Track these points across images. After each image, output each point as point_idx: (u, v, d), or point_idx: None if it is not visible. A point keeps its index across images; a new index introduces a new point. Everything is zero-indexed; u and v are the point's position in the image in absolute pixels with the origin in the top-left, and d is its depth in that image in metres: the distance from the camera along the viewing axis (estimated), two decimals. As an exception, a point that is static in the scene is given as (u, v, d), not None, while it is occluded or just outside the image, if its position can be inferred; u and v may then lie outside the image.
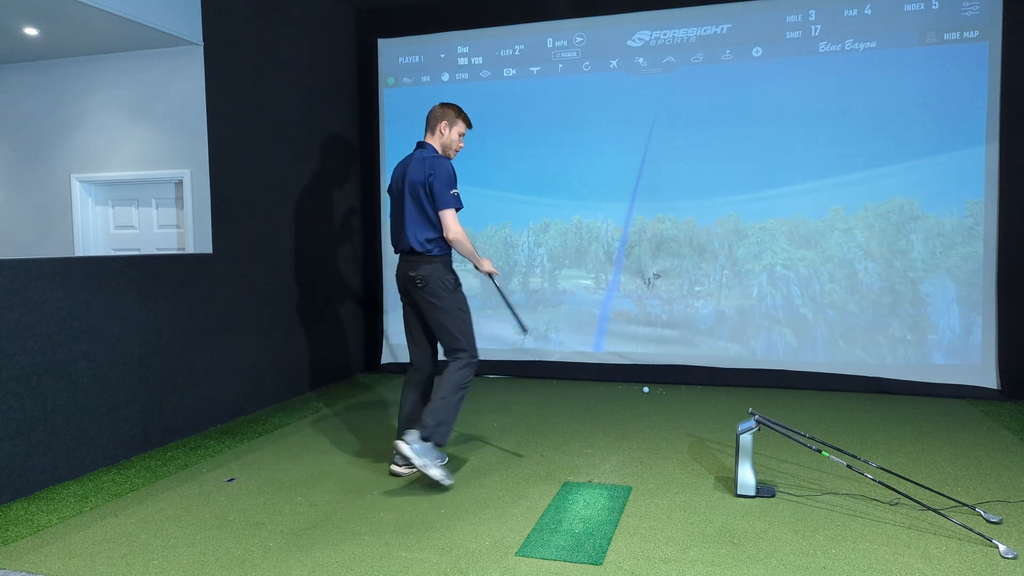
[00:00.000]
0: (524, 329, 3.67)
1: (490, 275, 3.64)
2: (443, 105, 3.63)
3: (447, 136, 3.59)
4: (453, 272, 3.57)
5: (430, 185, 3.41)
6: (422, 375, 3.71)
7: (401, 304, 3.70)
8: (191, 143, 4.67)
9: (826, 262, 5.34)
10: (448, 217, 3.41)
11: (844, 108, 5.23)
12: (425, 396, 3.69)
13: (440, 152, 3.58)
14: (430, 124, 3.62)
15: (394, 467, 3.60)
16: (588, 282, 5.88)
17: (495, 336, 6.05)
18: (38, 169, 5.10)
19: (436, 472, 3.34)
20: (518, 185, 5.97)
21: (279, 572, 2.60)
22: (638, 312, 5.77)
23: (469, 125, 3.67)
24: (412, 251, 3.50)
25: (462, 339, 3.50)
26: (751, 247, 5.49)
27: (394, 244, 3.63)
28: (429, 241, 3.47)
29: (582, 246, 5.87)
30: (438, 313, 3.49)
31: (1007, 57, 4.91)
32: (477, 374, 6.01)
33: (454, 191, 3.44)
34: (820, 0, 5.24)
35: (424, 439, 3.34)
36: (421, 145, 3.62)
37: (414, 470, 3.53)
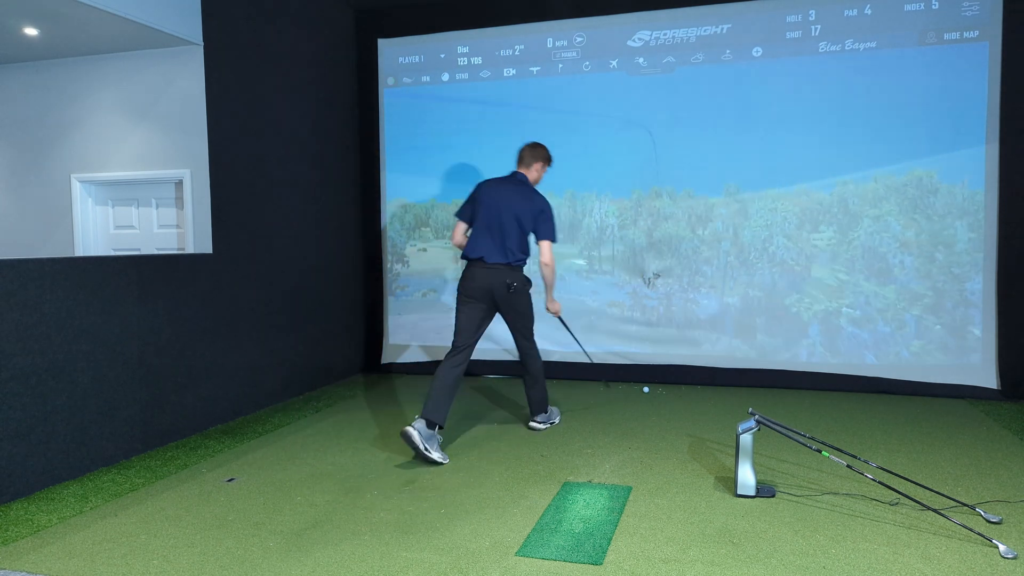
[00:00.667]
0: (589, 358, 4.69)
1: (556, 314, 4.43)
2: (537, 146, 4.31)
3: (539, 175, 4.34)
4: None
5: (539, 218, 4.15)
6: (461, 358, 4.03)
7: (464, 302, 4.10)
8: (191, 143, 4.67)
9: (825, 262, 5.34)
10: (547, 247, 4.17)
11: (844, 108, 5.23)
12: (458, 381, 3.97)
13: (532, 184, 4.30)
14: (526, 160, 4.30)
15: (408, 428, 3.78)
16: (584, 279, 5.87)
17: (495, 336, 6.05)
18: (38, 169, 5.10)
19: (436, 455, 3.78)
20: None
21: (279, 572, 2.60)
22: (637, 311, 5.76)
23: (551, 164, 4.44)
24: (507, 264, 4.10)
25: (531, 327, 4.31)
26: (751, 246, 5.48)
27: (477, 254, 4.11)
28: (522, 256, 4.16)
29: (580, 244, 5.86)
30: (522, 310, 4.19)
31: (1007, 57, 4.91)
32: (477, 374, 6.06)
33: (554, 226, 4.22)
34: (820, 0, 5.24)
35: (540, 417, 4.44)
36: (515, 174, 4.28)
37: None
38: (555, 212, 5.88)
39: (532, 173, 4.32)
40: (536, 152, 4.30)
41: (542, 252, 4.17)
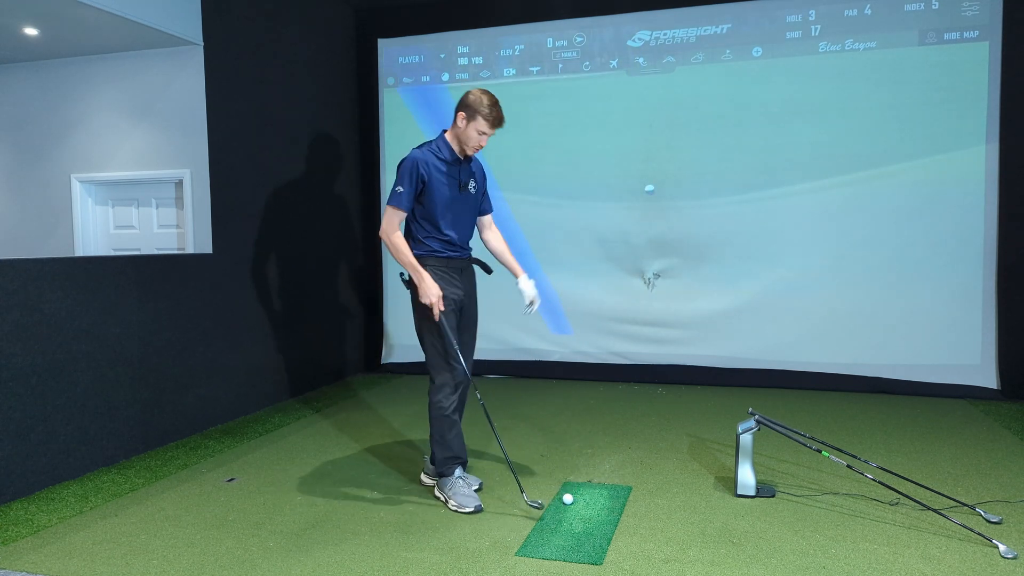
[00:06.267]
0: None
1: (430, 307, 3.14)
2: (479, 92, 3.16)
3: (463, 129, 3.17)
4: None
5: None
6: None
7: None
8: (191, 143, 4.67)
9: (826, 261, 5.34)
10: (384, 214, 3.20)
11: (844, 108, 5.22)
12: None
13: (456, 147, 3.22)
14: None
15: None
16: (584, 279, 5.86)
17: (495, 336, 6.05)
18: (38, 169, 5.10)
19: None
20: (518, 185, 5.96)
21: (279, 572, 2.60)
22: (637, 311, 5.76)
23: (492, 124, 3.15)
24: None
25: (425, 339, 3.31)
26: (751, 246, 5.48)
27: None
28: (411, 239, 3.26)
29: (580, 244, 5.86)
30: (413, 310, 3.30)
31: (1007, 57, 4.91)
32: (476, 374, 6.04)
33: (398, 188, 3.14)
34: (820, 0, 5.24)
35: (430, 468, 3.45)
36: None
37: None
38: (555, 213, 5.93)
39: (453, 129, 3.22)
40: (461, 100, 3.18)
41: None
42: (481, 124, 3.14)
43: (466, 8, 6.01)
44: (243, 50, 4.91)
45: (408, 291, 3.30)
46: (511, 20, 5.90)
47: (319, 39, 5.78)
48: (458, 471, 3.29)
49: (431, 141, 3.27)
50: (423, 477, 3.52)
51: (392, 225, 3.17)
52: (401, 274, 3.30)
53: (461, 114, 3.17)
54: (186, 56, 4.63)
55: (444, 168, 3.21)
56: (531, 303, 3.36)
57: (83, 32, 4.39)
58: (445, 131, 3.28)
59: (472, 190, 3.35)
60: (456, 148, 3.24)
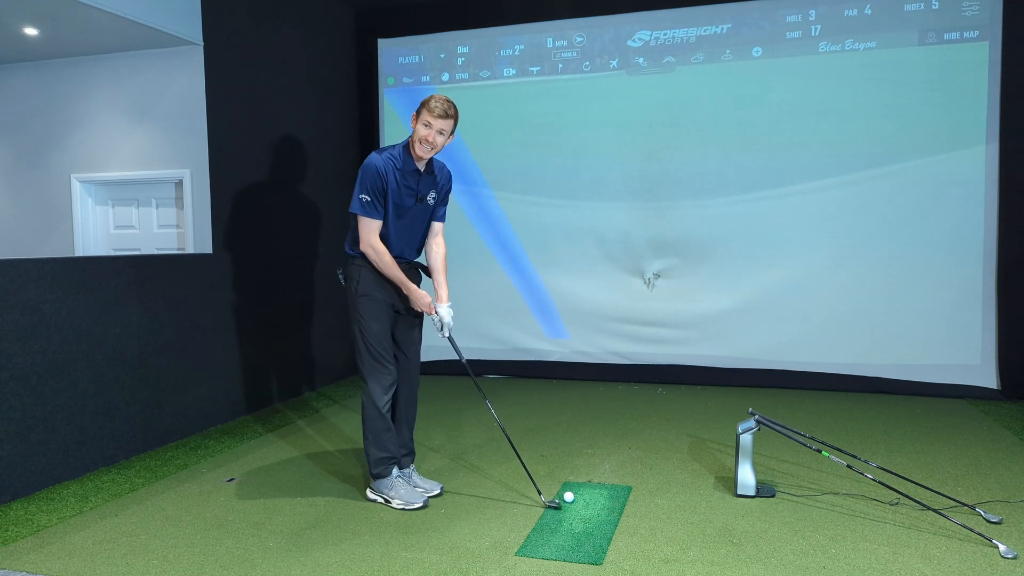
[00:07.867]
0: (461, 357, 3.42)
1: (429, 311, 3.26)
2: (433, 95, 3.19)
3: (414, 130, 3.15)
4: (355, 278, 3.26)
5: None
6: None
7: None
8: (191, 143, 4.67)
9: (826, 261, 5.33)
10: (357, 223, 3.17)
11: (844, 108, 5.22)
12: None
13: (414, 153, 3.20)
14: None
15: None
16: (584, 280, 5.86)
17: (495, 336, 6.05)
18: (38, 169, 5.10)
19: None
20: (517, 185, 5.96)
21: (279, 572, 2.60)
22: (637, 311, 5.76)
23: (436, 114, 3.08)
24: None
25: (359, 344, 3.31)
26: (751, 246, 5.48)
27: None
28: (349, 245, 3.28)
29: (580, 245, 5.86)
30: (349, 312, 3.31)
31: (1007, 57, 4.91)
32: (477, 373, 6.03)
33: (363, 196, 3.11)
34: (820, 0, 5.24)
35: (374, 484, 3.34)
36: None
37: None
38: (556, 213, 5.93)
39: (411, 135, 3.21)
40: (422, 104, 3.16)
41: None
42: (424, 116, 3.08)
43: (466, 8, 6.01)
44: (243, 50, 4.91)
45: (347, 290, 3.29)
46: (511, 20, 5.89)
47: (319, 39, 5.78)
48: (395, 471, 3.28)
49: (393, 146, 3.23)
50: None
51: (375, 236, 3.14)
52: (339, 274, 3.32)
53: (413, 115, 3.15)
54: (186, 56, 4.63)
55: (400, 177, 3.16)
56: (441, 328, 3.29)
57: (83, 32, 4.39)
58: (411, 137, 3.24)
59: (431, 201, 3.31)
60: (414, 155, 3.18)
